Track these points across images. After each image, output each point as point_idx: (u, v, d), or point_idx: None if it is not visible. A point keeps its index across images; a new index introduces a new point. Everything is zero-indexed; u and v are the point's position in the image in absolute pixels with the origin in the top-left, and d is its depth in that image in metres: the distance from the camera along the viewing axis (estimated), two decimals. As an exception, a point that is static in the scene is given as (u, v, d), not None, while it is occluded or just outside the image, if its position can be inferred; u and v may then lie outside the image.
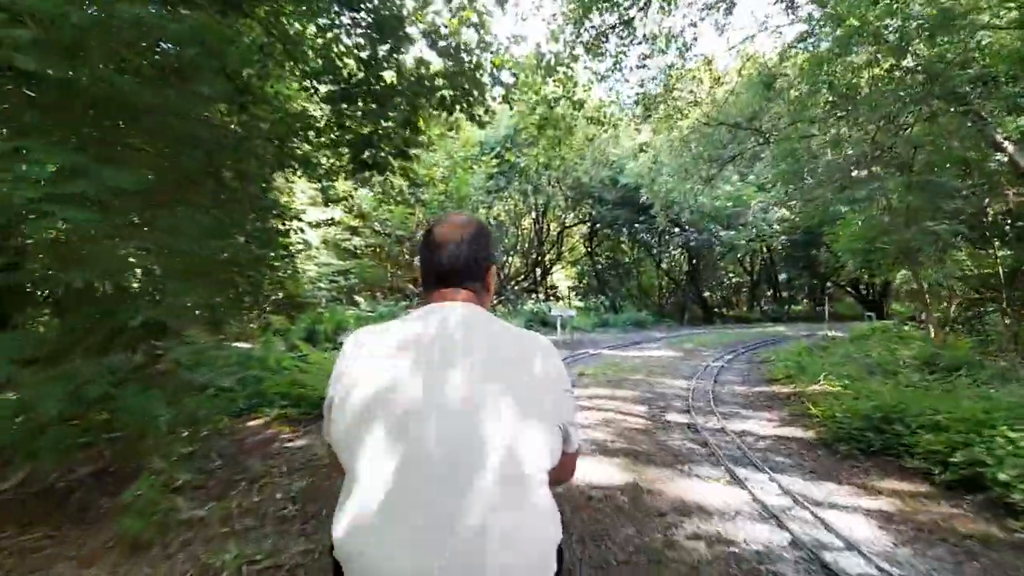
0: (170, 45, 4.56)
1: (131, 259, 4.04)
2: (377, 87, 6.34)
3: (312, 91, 6.71)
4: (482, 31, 7.03)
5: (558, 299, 30.51)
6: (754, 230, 25.43)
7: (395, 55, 6.38)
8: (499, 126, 22.94)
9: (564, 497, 4.06)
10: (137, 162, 4.74)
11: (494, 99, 7.58)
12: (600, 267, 34.92)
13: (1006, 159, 9.89)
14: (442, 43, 6.68)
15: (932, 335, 11.14)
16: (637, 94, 12.32)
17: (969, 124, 10.55)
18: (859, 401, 6.00)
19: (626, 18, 10.24)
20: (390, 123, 6.60)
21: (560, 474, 1.18)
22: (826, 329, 18.44)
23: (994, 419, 4.57)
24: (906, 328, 14.32)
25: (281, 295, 9.37)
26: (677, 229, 29.04)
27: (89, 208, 3.84)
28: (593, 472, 4.66)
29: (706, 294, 36.00)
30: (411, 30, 6.42)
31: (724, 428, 6.22)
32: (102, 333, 3.60)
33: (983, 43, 9.66)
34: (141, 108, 4.25)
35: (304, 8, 5.87)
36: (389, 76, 6.51)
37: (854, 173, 11.67)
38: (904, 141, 10.57)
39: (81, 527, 3.50)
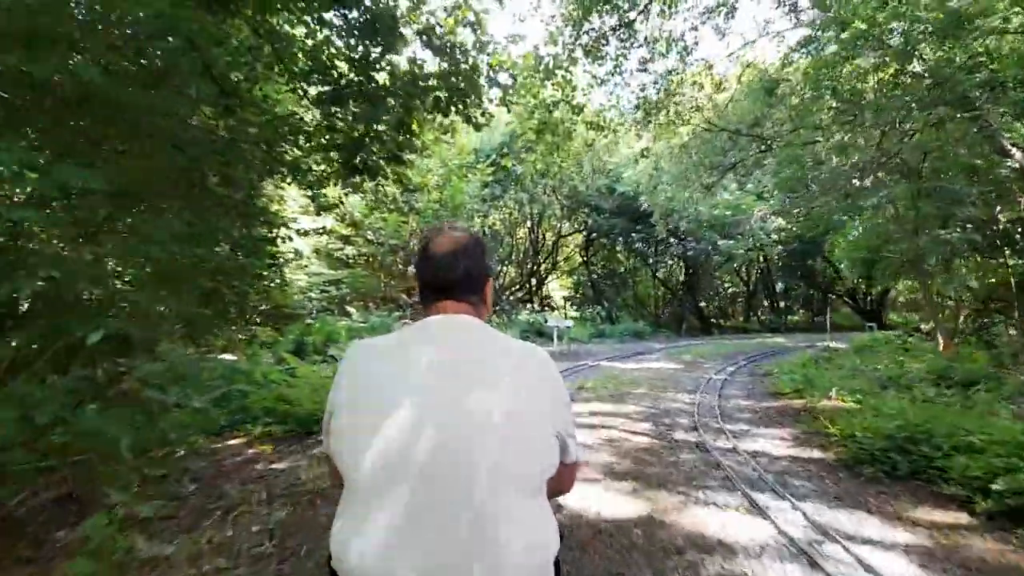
0: (146, 37, 4.27)
1: (96, 265, 3.70)
2: (370, 86, 6.05)
3: (302, 93, 6.41)
4: (479, 30, 6.75)
5: (552, 309, 30.19)
6: (752, 239, 25.18)
7: (389, 54, 6.08)
8: (495, 133, 22.69)
9: (571, 532, 3.69)
10: (113, 162, 4.42)
11: (491, 101, 7.30)
12: (596, 277, 34.62)
13: (1016, 166, 9.64)
14: (437, 41, 6.39)
15: (941, 347, 10.82)
16: (638, 98, 12.03)
17: (976, 130, 10.32)
18: (879, 419, 5.64)
19: (627, 20, 9.94)
20: (382, 125, 6.32)
21: (559, 485, 1.19)
22: (828, 340, 18.08)
23: (1037, 442, 4.23)
24: (911, 340, 13.96)
25: (268, 306, 9.01)
26: (674, 240, 28.80)
27: (48, 209, 3.50)
28: (602, 500, 4.28)
29: (702, 304, 35.69)
30: (406, 31, 6.15)
31: (736, 447, 5.86)
32: (56, 349, 3.23)
33: (992, 47, 9.42)
34: (115, 105, 3.93)
35: (293, 7, 5.56)
36: (382, 78, 6.23)
37: (857, 182, 11.41)
38: (911, 148, 10.29)
39: (34, 566, 3.11)
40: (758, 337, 26.84)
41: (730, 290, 41.34)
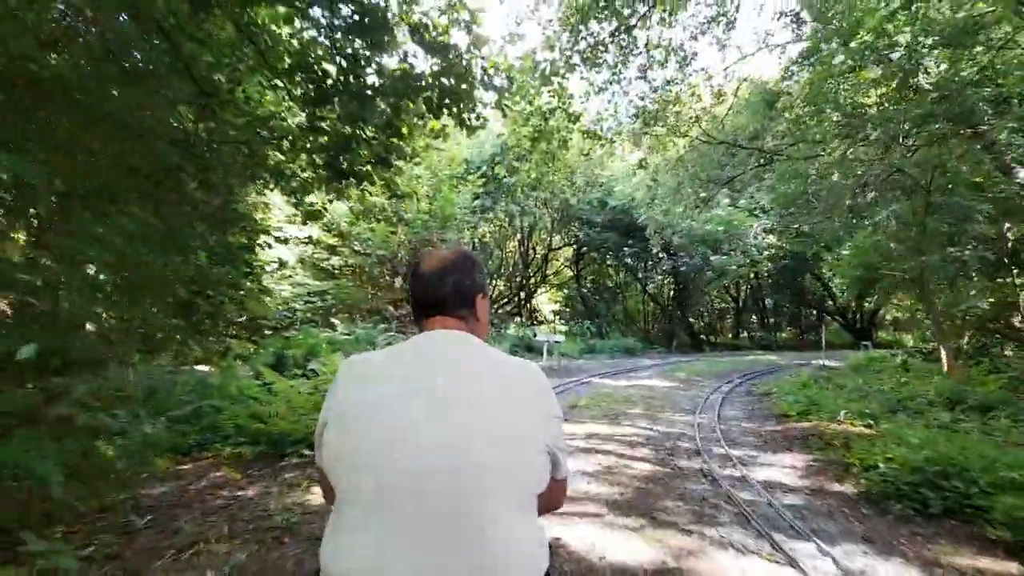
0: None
1: (30, 269, 3.23)
2: (358, 84, 5.65)
3: (285, 92, 6.00)
4: (474, 27, 6.38)
5: (540, 323, 29.76)
6: (743, 255, 24.97)
7: (379, 53, 5.69)
8: (486, 144, 22.37)
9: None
10: (68, 157, 3.98)
11: (485, 105, 6.93)
12: (586, 291, 34.28)
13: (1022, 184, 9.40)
14: (429, 38, 6.01)
15: (945, 368, 10.46)
16: (636, 107, 11.68)
17: (979, 147, 10.08)
18: (900, 447, 5.24)
19: (627, 25, 9.60)
20: (370, 127, 5.93)
21: (549, 501, 1.18)
22: (823, 358, 17.73)
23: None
24: (911, 360, 13.58)
25: (244, 317, 8.52)
26: (664, 255, 28.51)
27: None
28: (606, 541, 3.80)
29: (691, 320, 35.39)
30: (397, 30, 5.79)
31: (745, 477, 5.43)
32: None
33: (997, 62, 9.20)
34: (64, 89, 3.52)
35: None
36: (371, 77, 5.84)
37: (860, 198, 11.14)
38: (913, 164, 10.01)
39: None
40: (750, 354, 26.50)
41: (719, 306, 41.12)
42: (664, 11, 10.08)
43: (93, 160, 3.99)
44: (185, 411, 6.57)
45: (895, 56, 9.46)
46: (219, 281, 5.57)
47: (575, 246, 32.18)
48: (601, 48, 9.91)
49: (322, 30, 5.69)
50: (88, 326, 3.77)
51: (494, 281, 30.22)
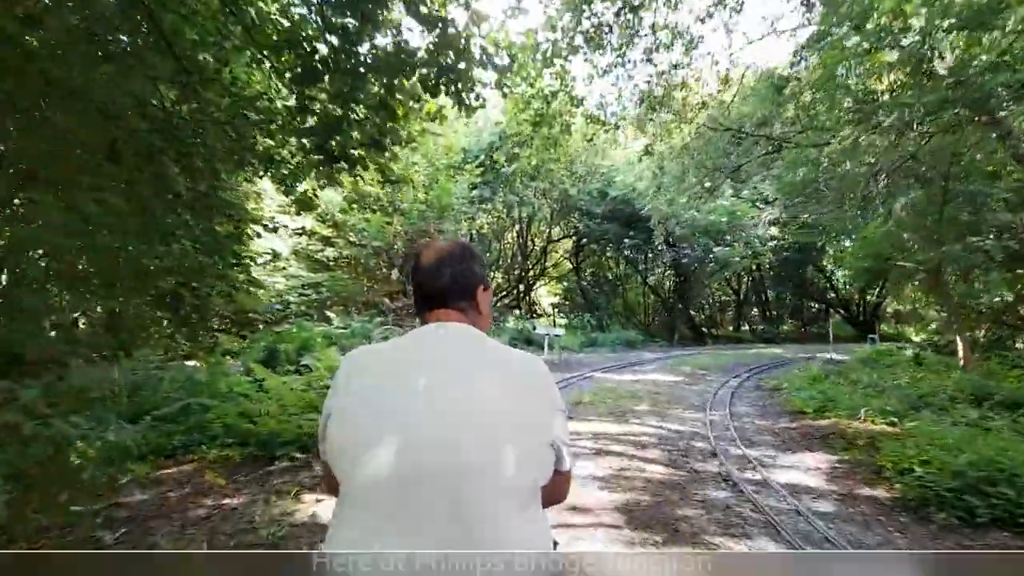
0: None
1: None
2: (350, 61, 5.26)
3: (273, 70, 5.62)
4: (472, 1, 5.99)
5: (539, 316, 29.39)
6: (746, 247, 24.60)
7: (371, 28, 5.30)
8: (484, 132, 21.95)
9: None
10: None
11: (484, 85, 6.55)
12: (586, 283, 33.91)
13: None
14: (425, 10, 5.61)
15: (962, 362, 10.11)
16: (641, 92, 11.26)
17: (994, 136, 9.73)
18: (932, 448, 4.88)
19: (631, 5, 9.18)
20: (362, 106, 5.55)
21: (553, 494, 1.15)
22: (831, 351, 17.36)
23: None
24: (923, 354, 13.19)
25: (232, 310, 8.17)
26: (666, 246, 28.12)
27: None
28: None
29: (692, 313, 35.04)
30: (392, 6, 5.40)
31: (767, 480, 5.08)
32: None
33: (1016, 47, 8.82)
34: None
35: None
36: (363, 52, 5.46)
37: (871, 187, 10.77)
38: (930, 150, 9.64)
39: None
40: (753, 347, 26.09)
41: (720, 298, 40.76)
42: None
43: (61, 139, 3.62)
44: (172, 409, 6.22)
45: (908, 41, 9.09)
46: (204, 271, 5.21)
47: (575, 238, 31.73)
48: (605, 29, 9.50)
49: (312, 6, 5.31)
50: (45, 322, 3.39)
51: (492, 273, 29.83)
